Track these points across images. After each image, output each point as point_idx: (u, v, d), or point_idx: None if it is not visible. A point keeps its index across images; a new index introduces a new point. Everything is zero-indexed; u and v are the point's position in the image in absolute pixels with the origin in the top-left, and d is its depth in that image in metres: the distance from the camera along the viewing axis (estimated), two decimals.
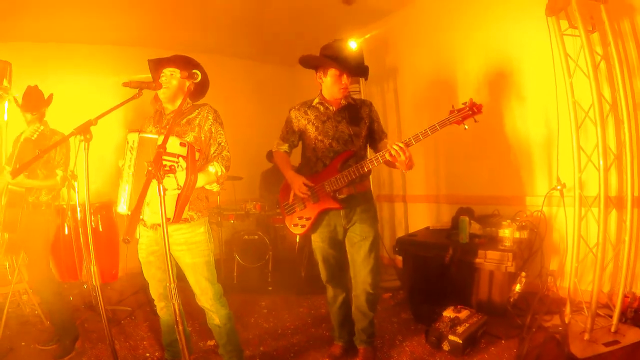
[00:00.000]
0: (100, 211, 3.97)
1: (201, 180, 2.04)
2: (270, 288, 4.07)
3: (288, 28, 4.75)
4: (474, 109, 2.14)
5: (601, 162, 2.61)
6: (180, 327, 1.58)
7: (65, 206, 3.49)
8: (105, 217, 4.00)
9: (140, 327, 3.26)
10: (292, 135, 2.50)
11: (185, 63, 2.18)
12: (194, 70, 2.08)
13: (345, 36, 4.20)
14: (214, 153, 2.17)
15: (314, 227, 2.43)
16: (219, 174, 2.13)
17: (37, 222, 2.80)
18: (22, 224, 2.77)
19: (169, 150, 1.85)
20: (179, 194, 1.89)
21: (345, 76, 2.34)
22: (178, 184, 1.85)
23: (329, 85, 2.37)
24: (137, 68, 4.54)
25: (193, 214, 2.16)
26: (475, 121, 2.15)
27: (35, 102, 2.86)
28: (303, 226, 2.43)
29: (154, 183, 1.57)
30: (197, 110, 2.21)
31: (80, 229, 3.53)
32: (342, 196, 2.35)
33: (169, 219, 1.87)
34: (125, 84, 1.93)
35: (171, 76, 2.18)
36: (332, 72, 2.34)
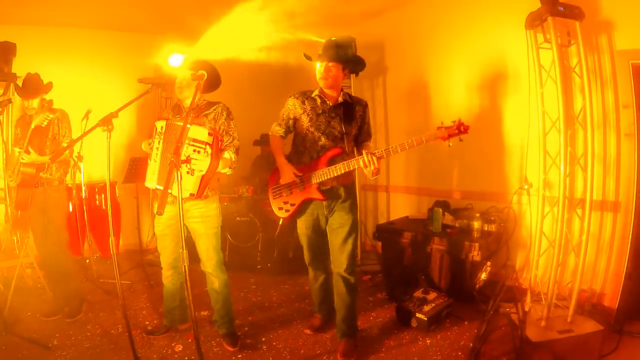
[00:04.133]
0: (105, 190, 4.19)
1: (220, 164, 2.42)
2: (259, 267, 4.37)
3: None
4: (460, 129, 2.23)
5: (562, 169, 2.88)
6: (189, 285, 1.96)
7: (70, 185, 3.70)
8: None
9: (139, 299, 3.54)
10: (288, 121, 2.61)
11: (196, 65, 2.50)
12: (199, 72, 2.33)
13: (340, 33, 4.42)
14: (227, 142, 2.51)
15: (297, 213, 2.60)
16: (232, 159, 2.50)
17: (54, 198, 2.99)
18: (37, 201, 2.93)
19: (197, 137, 2.28)
20: (202, 175, 2.29)
21: (321, 65, 2.46)
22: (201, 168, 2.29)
23: (317, 78, 2.52)
24: (139, 53, 4.74)
25: (208, 192, 2.51)
26: (461, 140, 2.25)
27: (34, 88, 2.99)
28: (287, 210, 2.59)
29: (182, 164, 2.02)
30: (213, 107, 2.55)
31: (84, 207, 3.80)
32: (325, 188, 2.49)
33: (193, 195, 2.32)
34: (140, 80, 2.23)
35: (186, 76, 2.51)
36: (320, 62, 2.48)
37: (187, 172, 2.27)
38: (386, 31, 4.75)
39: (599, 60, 3.12)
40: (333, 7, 4.32)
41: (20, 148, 2.98)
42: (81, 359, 2.60)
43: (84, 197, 3.77)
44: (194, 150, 2.28)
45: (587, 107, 2.92)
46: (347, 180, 2.58)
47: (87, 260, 4.10)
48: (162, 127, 2.41)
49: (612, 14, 3.02)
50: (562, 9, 2.81)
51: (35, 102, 2.98)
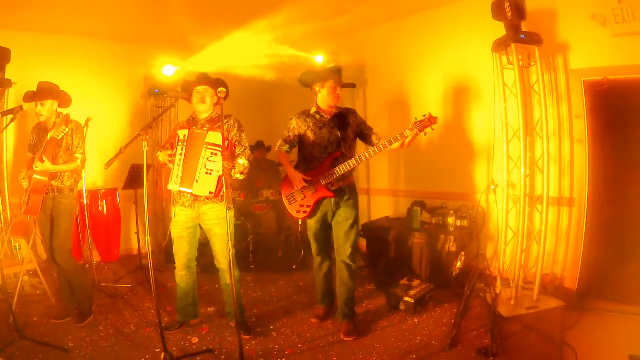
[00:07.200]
0: (107, 197, 4.36)
1: (235, 169, 2.73)
2: (252, 267, 4.63)
3: None
4: (431, 121, 2.70)
5: (522, 171, 3.35)
6: (233, 272, 2.39)
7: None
8: (110, 202, 4.39)
9: (144, 300, 3.70)
10: (294, 138, 3.03)
11: (216, 83, 2.83)
12: (220, 89, 2.55)
13: (322, 48, 4.79)
14: (239, 152, 2.83)
15: (312, 212, 2.99)
16: (246, 165, 2.81)
17: (63, 204, 3.08)
18: (46, 207, 3.03)
19: (214, 142, 2.66)
20: (220, 175, 2.64)
21: (338, 88, 2.95)
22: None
23: (325, 96, 2.94)
24: (133, 63, 4.91)
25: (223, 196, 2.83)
26: (432, 129, 2.74)
27: (40, 92, 3.03)
28: (305, 212, 2.99)
29: (201, 165, 2.59)
30: (225, 120, 2.81)
31: (86, 213, 3.94)
32: (334, 188, 2.92)
33: (212, 193, 2.67)
34: (170, 95, 2.59)
35: (205, 92, 2.82)
36: (329, 84, 2.92)
37: (206, 173, 2.63)
38: (366, 46, 5.14)
39: (556, 78, 3.61)
40: (317, 24, 4.69)
41: (33, 155, 3.06)
42: (101, 358, 2.69)
43: (85, 203, 3.88)
44: (212, 153, 2.65)
45: (544, 118, 3.38)
46: (350, 181, 3.03)
47: (87, 266, 4.21)
48: (184, 136, 2.72)
49: (567, 38, 3.51)
50: (523, 36, 3.28)
51: (45, 109, 3.04)
